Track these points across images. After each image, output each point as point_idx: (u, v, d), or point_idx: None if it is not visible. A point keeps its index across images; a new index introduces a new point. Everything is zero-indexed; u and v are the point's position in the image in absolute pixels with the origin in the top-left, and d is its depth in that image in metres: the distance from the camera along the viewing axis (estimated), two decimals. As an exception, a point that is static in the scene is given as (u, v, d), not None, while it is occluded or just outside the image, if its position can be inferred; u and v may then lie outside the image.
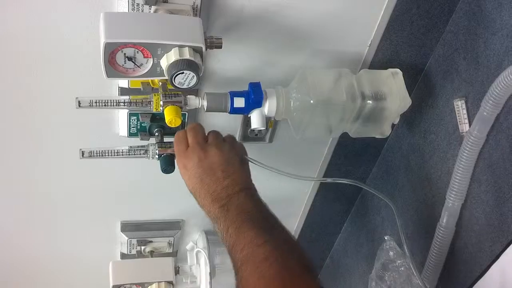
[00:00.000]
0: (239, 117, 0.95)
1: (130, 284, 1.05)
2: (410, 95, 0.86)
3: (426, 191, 0.96)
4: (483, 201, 0.82)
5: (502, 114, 0.78)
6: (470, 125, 0.83)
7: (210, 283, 1.09)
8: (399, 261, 0.99)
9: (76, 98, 0.75)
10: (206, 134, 0.80)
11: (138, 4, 0.72)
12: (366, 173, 1.15)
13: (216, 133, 0.80)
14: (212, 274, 1.10)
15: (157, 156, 0.83)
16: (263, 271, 0.62)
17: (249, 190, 0.75)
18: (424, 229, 0.91)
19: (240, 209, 0.71)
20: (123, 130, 0.90)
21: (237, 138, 0.98)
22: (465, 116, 0.85)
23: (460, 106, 0.85)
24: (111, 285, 1.04)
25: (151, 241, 1.16)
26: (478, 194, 0.83)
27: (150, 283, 1.06)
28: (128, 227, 1.12)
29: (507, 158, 0.78)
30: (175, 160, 0.80)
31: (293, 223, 1.24)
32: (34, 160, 0.93)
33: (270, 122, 0.96)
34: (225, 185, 0.73)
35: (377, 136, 0.91)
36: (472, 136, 0.81)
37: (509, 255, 0.76)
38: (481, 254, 0.82)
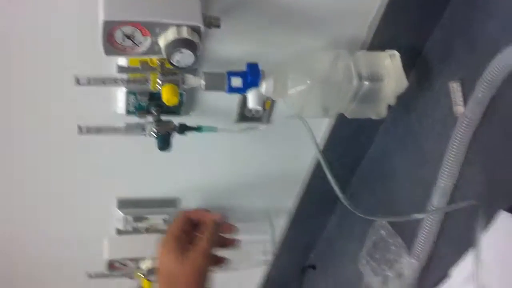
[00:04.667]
0: (236, 97, 0.95)
1: (125, 259, 1.07)
2: (407, 78, 0.87)
3: (420, 172, 0.97)
4: (475, 182, 0.84)
5: (497, 96, 0.79)
6: (465, 107, 0.84)
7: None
8: (390, 240, 1.01)
9: (74, 75, 0.75)
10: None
11: (136, -18, 0.72)
12: (362, 154, 1.16)
13: (208, 236, 0.85)
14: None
15: (154, 134, 0.83)
16: None
17: None
18: (415, 209, 0.93)
19: None
20: (121, 108, 0.90)
21: (234, 117, 0.98)
22: (461, 98, 0.86)
23: (455, 88, 0.86)
24: (106, 259, 1.05)
25: (146, 218, 1.17)
26: (470, 175, 0.85)
27: (145, 259, 1.07)
28: (124, 204, 1.13)
29: (500, 140, 0.79)
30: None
31: (288, 202, 1.26)
32: (31, 136, 0.94)
33: (267, 103, 0.96)
34: None
35: (373, 117, 0.92)
36: (466, 118, 0.82)
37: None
38: (470, 233, 0.83)
